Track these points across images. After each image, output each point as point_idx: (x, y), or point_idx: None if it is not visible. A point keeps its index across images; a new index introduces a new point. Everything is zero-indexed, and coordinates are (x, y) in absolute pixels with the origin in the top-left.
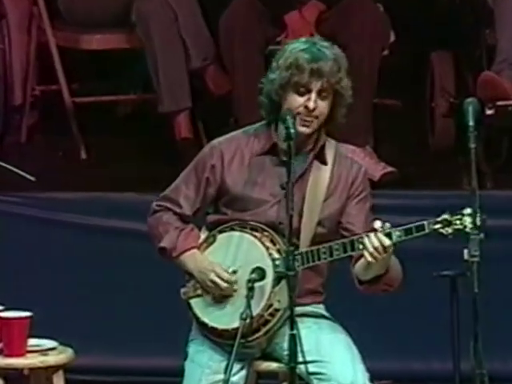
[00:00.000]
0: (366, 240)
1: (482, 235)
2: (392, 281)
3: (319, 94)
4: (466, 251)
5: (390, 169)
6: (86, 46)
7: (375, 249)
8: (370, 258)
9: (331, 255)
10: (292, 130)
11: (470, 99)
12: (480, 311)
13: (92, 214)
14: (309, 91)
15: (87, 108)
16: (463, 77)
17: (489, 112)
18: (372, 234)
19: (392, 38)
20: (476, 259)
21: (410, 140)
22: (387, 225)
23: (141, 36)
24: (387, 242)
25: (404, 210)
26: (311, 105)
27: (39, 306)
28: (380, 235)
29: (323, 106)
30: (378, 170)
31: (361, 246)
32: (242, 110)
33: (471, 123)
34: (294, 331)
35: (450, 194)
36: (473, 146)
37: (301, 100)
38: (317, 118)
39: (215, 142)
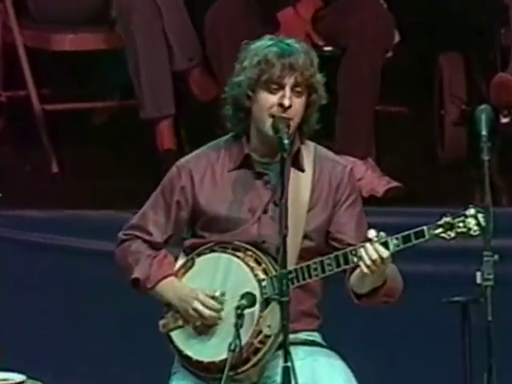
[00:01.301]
0: (362, 252)
1: (496, 257)
2: (392, 291)
3: (293, 90)
4: (478, 274)
5: (394, 183)
6: (57, 46)
7: (373, 261)
8: (366, 271)
9: (323, 271)
10: (286, 141)
11: (483, 106)
12: (494, 341)
13: (64, 234)
14: (282, 87)
15: (59, 116)
16: (475, 81)
17: (504, 120)
18: (368, 245)
19: (396, 38)
20: (490, 283)
21: (416, 151)
22: (382, 234)
23: (121, 33)
24: (386, 253)
25: (411, 229)
26: (286, 102)
27: (5, 336)
28: (377, 246)
29: (299, 104)
30: (382, 184)
31: (355, 259)
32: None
33: (484, 132)
34: (288, 363)
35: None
36: (486, 157)
37: (274, 98)
38: (292, 119)
39: (182, 160)
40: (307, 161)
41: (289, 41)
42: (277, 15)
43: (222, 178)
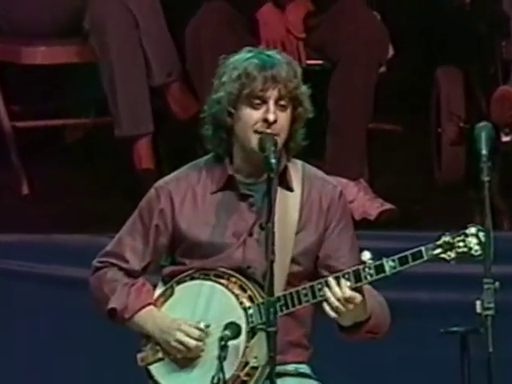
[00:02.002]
0: (326, 289)
1: (497, 284)
2: (377, 328)
3: (277, 104)
4: (478, 303)
5: (388, 206)
6: (28, 60)
7: (338, 300)
8: (332, 313)
9: (314, 296)
10: (273, 160)
11: (482, 123)
12: (495, 374)
13: (35, 260)
14: (265, 102)
15: (30, 133)
16: (475, 97)
17: (505, 138)
18: (333, 281)
19: (390, 51)
20: (490, 312)
21: (412, 172)
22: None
23: (95, 46)
24: (347, 292)
25: None
26: (271, 116)
27: None
28: (342, 282)
29: (284, 118)
30: (375, 207)
31: (321, 293)
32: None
33: (484, 151)
34: None
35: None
36: (486, 178)
37: (257, 114)
38: (278, 134)
39: (161, 182)
40: (295, 179)
41: (269, 52)
42: (255, 14)
43: (203, 200)
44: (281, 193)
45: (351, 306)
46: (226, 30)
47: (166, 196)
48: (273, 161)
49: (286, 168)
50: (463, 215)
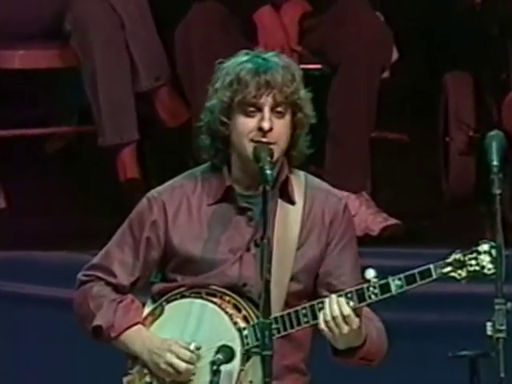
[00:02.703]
0: (326, 303)
1: (509, 305)
2: (372, 355)
3: (273, 110)
4: (489, 325)
5: (392, 221)
6: (5, 64)
7: (333, 318)
8: (325, 329)
9: (314, 317)
10: (268, 172)
11: (493, 132)
12: None
13: (12, 279)
14: (260, 109)
15: (7, 143)
16: (485, 104)
17: None
18: (334, 297)
19: (395, 55)
20: (502, 335)
21: (417, 184)
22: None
23: (76, 48)
24: (347, 310)
25: None
26: (265, 125)
27: None
28: (341, 300)
29: (281, 126)
30: (377, 222)
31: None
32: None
33: (495, 162)
34: None
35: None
36: (497, 191)
37: (252, 122)
38: (275, 143)
39: (154, 192)
40: (297, 192)
41: (266, 55)
42: (253, 17)
43: (199, 212)
44: (281, 206)
45: (347, 329)
46: (218, 32)
47: (159, 207)
48: (268, 172)
49: (287, 179)
50: (473, 231)
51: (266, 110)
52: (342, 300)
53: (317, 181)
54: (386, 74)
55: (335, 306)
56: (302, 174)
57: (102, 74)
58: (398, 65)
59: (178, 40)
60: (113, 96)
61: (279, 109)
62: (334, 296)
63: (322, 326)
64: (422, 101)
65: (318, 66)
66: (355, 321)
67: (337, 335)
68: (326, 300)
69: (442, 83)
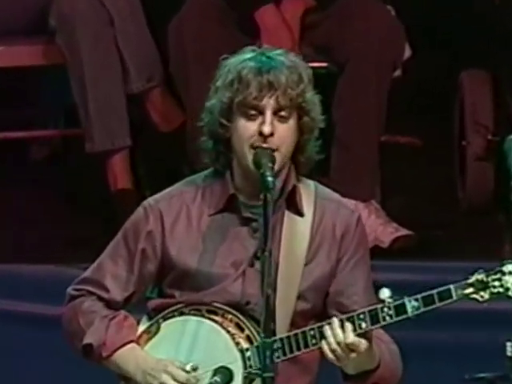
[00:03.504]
0: (326, 327)
1: None
2: (385, 380)
3: (276, 114)
4: (509, 345)
5: (404, 232)
6: None
7: (338, 344)
8: (330, 355)
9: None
10: (270, 178)
11: None
12: None
13: None
14: (261, 112)
15: None
16: (504, 105)
17: None
18: (336, 321)
19: (407, 52)
20: None
21: (431, 192)
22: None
23: (62, 47)
24: (350, 337)
25: (425, 289)
26: (266, 129)
27: None
28: (347, 325)
29: (284, 130)
30: (388, 232)
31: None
32: (200, 151)
33: None
34: None
35: (489, 267)
36: None
37: (253, 126)
38: (277, 149)
39: (150, 200)
40: (306, 202)
41: (272, 52)
42: (254, 15)
43: (199, 223)
44: (289, 217)
45: (353, 355)
46: (215, 26)
47: (156, 216)
48: (269, 178)
49: (294, 188)
50: (491, 242)
51: (268, 113)
52: (347, 325)
53: (327, 191)
54: (397, 73)
55: (338, 331)
56: (311, 183)
57: (89, 74)
58: (411, 62)
59: (172, 35)
60: (102, 97)
61: (282, 113)
62: (335, 319)
63: (327, 353)
64: (435, 101)
65: (324, 65)
66: (362, 344)
67: (344, 362)
68: (326, 326)
69: (458, 82)
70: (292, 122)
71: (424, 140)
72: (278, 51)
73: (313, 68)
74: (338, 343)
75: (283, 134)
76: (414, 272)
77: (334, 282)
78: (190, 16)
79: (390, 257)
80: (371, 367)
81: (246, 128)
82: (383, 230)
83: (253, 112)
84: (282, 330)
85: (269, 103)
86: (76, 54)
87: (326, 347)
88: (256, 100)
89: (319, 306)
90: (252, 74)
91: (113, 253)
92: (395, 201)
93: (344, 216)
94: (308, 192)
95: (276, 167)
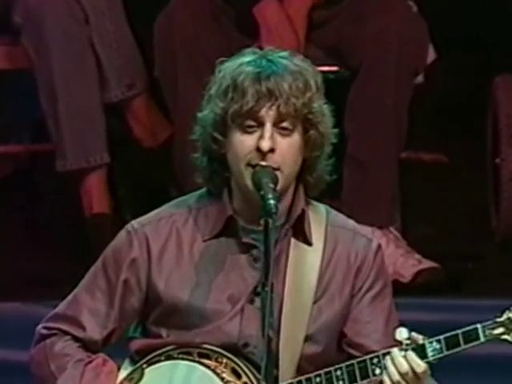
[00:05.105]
0: (388, 362)
1: None
2: None
3: (277, 126)
4: None
5: (428, 264)
6: None
7: (402, 375)
8: None
9: None
10: (272, 201)
11: None
12: None
13: None
14: (259, 125)
15: None
16: None
17: None
18: (397, 352)
19: (431, 55)
20: None
21: (460, 219)
22: (414, 334)
23: (28, 48)
24: (421, 365)
25: (451, 330)
26: (265, 144)
27: None
28: (410, 353)
29: (286, 146)
30: (410, 265)
31: (378, 371)
32: (190, 169)
33: None
34: None
35: None
36: None
37: (249, 140)
38: (278, 168)
39: (134, 223)
40: (316, 230)
41: (274, 55)
42: (253, 11)
43: (191, 250)
44: (296, 247)
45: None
46: (207, 24)
47: (141, 242)
48: (272, 202)
49: (303, 213)
50: None
51: (267, 125)
52: (412, 354)
53: (341, 217)
54: (419, 79)
55: (401, 359)
56: (322, 207)
57: (61, 79)
58: (436, 67)
59: (158, 34)
60: (75, 107)
61: (285, 124)
62: (396, 349)
63: None
64: (464, 112)
65: (334, 69)
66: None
67: None
68: (387, 357)
69: (491, 91)
70: (296, 137)
71: (450, 157)
72: (282, 54)
73: (321, 73)
74: (403, 374)
75: (285, 150)
76: (438, 311)
77: (349, 320)
78: (180, 12)
79: (411, 293)
80: None
81: (242, 143)
82: (404, 262)
83: (250, 123)
84: (286, 376)
85: (268, 114)
86: (44, 56)
87: (388, 381)
88: (254, 110)
89: (332, 349)
90: (249, 80)
91: (90, 284)
92: (417, 228)
93: (360, 246)
94: (318, 218)
95: (278, 188)
